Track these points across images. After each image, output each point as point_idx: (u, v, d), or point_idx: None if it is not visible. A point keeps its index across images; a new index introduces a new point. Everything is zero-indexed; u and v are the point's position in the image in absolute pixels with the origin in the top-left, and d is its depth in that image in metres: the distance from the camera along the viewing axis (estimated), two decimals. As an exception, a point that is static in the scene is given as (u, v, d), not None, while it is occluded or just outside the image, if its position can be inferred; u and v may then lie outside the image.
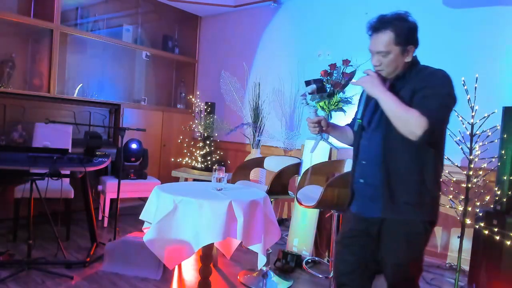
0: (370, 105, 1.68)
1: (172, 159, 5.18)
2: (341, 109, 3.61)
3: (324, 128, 1.74)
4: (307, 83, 1.78)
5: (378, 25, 1.54)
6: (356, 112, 1.79)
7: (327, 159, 3.37)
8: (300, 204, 2.87)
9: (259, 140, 4.51)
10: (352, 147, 1.87)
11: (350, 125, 1.89)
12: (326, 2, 4.39)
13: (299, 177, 3.17)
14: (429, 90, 1.50)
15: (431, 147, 1.56)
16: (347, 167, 3.04)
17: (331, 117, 3.57)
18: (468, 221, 2.86)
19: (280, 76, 4.61)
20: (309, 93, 1.75)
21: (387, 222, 1.62)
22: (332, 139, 2.03)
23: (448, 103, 1.50)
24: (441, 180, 1.64)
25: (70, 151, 3.55)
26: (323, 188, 2.53)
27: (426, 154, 1.57)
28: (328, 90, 1.84)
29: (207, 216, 1.96)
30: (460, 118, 2.98)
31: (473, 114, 2.86)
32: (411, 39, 1.56)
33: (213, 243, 2.19)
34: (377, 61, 1.57)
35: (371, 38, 1.58)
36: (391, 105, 1.50)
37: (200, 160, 4.88)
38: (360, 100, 1.72)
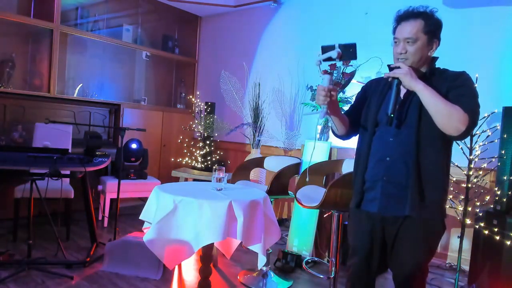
0: (398, 100, 1.60)
1: (172, 159, 5.18)
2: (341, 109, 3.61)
3: (334, 99, 1.59)
4: (327, 48, 1.62)
5: (409, 14, 1.55)
6: (356, 102, 1.77)
7: (327, 159, 3.37)
8: (301, 204, 2.87)
9: (259, 140, 4.51)
10: (341, 138, 1.82)
11: (347, 114, 1.81)
12: (326, 2, 4.39)
13: (298, 177, 3.17)
14: (465, 89, 1.51)
15: (452, 142, 1.61)
16: (345, 166, 3.04)
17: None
18: (468, 221, 2.86)
19: (280, 76, 4.61)
20: (333, 59, 1.60)
21: (409, 221, 1.60)
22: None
23: (478, 101, 1.53)
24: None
25: (70, 151, 3.55)
26: (325, 189, 2.53)
27: (447, 152, 1.61)
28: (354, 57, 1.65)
29: (207, 216, 1.96)
30: (460, 118, 2.98)
31: (473, 114, 2.85)
32: (437, 33, 1.57)
33: (213, 243, 2.19)
34: (403, 49, 1.55)
35: (399, 26, 1.57)
36: (433, 99, 1.47)
37: (200, 160, 4.88)
38: (392, 95, 1.56)
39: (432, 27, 1.54)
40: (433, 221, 1.61)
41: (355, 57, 1.65)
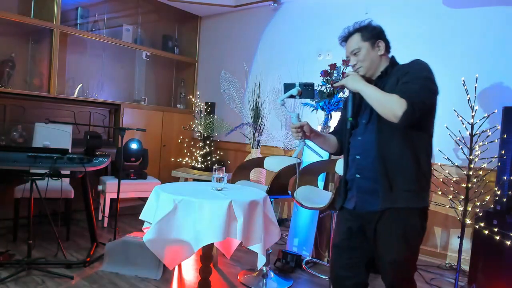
0: (358, 104, 1.73)
1: (172, 159, 5.18)
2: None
3: (307, 133, 1.75)
4: (289, 86, 1.79)
5: (346, 35, 1.73)
6: (342, 114, 1.86)
7: (327, 158, 3.37)
8: (303, 206, 2.87)
9: (259, 140, 4.51)
10: (334, 155, 1.93)
11: (333, 132, 1.94)
12: (326, 2, 4.39)
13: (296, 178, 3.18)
14: (408, 76, 1.57)
15: (422, 132, 1.61)
16: (338, 167, 3.05)
17: (331, 117, 3.57)
18: (468, 221, 2.86)
19: (280, 76, 4.61)
20: (291, 96, 1.78)
21: (385, 216, 1.63)
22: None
23: (427, 85, 1.55)
24: (432, 166, 1.68)
25: (70, 151, 3.54)
26: (327, 190, 2.56)
27: (419, 140, 1.61)
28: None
29: (207, 216, 1.96)
30: (460, 118, 2.98)
31: (473, 114, 2.86)
32: (378, 35, 1.68)
33: (213, 243, 2.19)
34: (353, 61, 1.70)
35: (345, 47, 1.75)
36: (372, 93, 1.58)
37: (200, 160, 4.88)
38: (347, 101, 1.75)
39: (369, 34, 1.67)
40: (408, 212, 1.61)
41: (312, 96, 1.80)
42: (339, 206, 1.79)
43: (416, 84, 1.53)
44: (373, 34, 1.67)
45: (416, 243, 1.66)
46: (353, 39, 1.69)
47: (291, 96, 1.79)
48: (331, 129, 2.05)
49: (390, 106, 1.51)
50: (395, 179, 1.60)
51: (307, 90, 1.78)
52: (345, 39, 1.73)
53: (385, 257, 1.66)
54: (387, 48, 1.71)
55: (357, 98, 1.70)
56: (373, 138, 1.64)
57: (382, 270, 1.70)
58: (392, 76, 1.65)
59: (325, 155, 3.21)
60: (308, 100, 3.71)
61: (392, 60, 1.72)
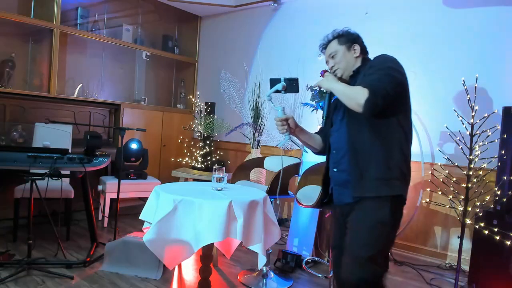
0: (336, 103, 1.83)
1: (172, 159, 5.18)
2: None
3: (292, 127, 1.83)
4: (274, 81, 1.88)
5: (324, 44, 1.86)
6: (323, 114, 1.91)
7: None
8: (299, 204, 2.87)
9: (259, 140, 4.51)
10: (319, 154, 2.00)
11: (319, 132, 1.99)
12: (326, 2, 4.39)
13: (299, 177, 3.17)
14: (372, 69, 1.65)
15: (392, 123, 1.64)
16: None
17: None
18: (468, 221, 2.86)
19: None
20: (277, 91, 1.88)
21: (356, 207, 1.67)
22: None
23: (389, 73, 1.59)
24: (409, 157, 1.69)
25: (70, 151, 3.54)
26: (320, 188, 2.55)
27: (389, 131, 1.65)
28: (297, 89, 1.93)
29: (207, 216, 1.96)
30: (460, 118, 2.98)
31: (473, 114, 2.86)
32: (353, 40, 1.79)
33: (213, 243, 2.19)
34: (331, 63, 1.81)
35: (324, 54, 1.87)
36: (340, 89, 1.66)
37: (200, 160, 4.88)
38: (324, 102, 1.82)
39: (345, 39, 1.79)
40: (378, 201, 1.62)
41: (297, 91, 1.88)
42: (321, 201, 1.88)
43: (377, 74, 1.59)
44: (348, 39, 1.79)
45: (384, 234, 1.62)
46: (331, 44, 1.82)
47: (277, 91, 1.87)
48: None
49: (354, 96, 1.58)
50: (366, 169, 1.64)
51: (291, 85, 1.86)
52: (324, 46, 1.86)
53: (350, 247, 1.64)
54: (363, 51, 1.81)
55: (332, 97, 1.80)
56: (345, 132, 1.72)
57: (343, 262, 1.66)
58: (361, 73, 1.73)
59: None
60: (308, 100, 3.72)
61: (364, 60, 1.79)
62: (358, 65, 1.78)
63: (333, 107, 1.85)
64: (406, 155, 1.67)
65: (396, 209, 1.65)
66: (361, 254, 1.60)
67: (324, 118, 1.80)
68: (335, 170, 1.78)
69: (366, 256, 1.59)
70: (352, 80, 1.77)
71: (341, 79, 1.78)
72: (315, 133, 2.00)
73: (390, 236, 1.67)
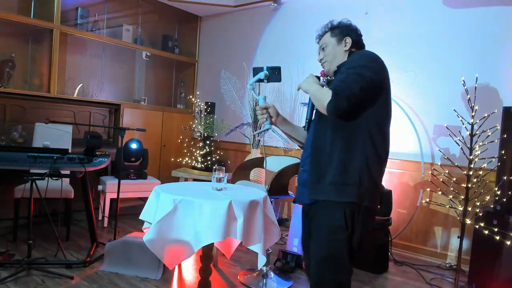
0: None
1: (172, 159, 5.18)
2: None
3: (273, 116, 1.82)
4: (257, 70, 1.86)
5: (319, 35, 1.82)
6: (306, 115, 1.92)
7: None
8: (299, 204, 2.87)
9: (259, 140, 4.51)
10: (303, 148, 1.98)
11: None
12: (326, 2, 4.39)
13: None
14: (343, 69, 1.62)
15: (358, 125, 1.57)
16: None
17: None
18: (468, 221, 2.86)
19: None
20: (258, 80, 1.86)
21: (314, 209, 1.66)
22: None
23: (358, 72, 1.53)
24: (377, 165, 1.60)
25: (70, 151, 3.54)
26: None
27: (354, 134, 1.58)
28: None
29: (207, 216, 1.96)
30: (460, 118, 2.98)
31: (473, 114, 2.86)
32: (345, 32, 1.74)
33: (213, 243, 2.19)
34: (321, 55, 1.79)
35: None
36: (312, 90, 1.65)
37: (200, 160, 4.88)
38: (308, 103, 1.82)
39: (338, 31, 1.75)
40: (331, 205, 1.58)
41: (279, 80, 1.86)
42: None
43: (346, 73, 1.56)
44: (341, 31, 1.74)
45: (339, 237, 1.56)
46: (325, 36, 1.79)
47: (259, 80, 1.85)
48: None
49: (320, 98, 1.57)
50: (324, 171, 1.60)
51: (274, 74, 1.84)
52: (319, 38, 1.83)
53: (311, 247, 1.67)
54: (357, 45, 1.74)
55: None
56: (312, 133, 1.72)
57: (310, 268, 1.68)
58: (341, 70, 1.69)
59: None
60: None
61: (350, 55, 1.73)
62: (345, 60, 1.72)
63: (311, 109, 1.85)
64: (370, 167, 1.57)
65: (353, 215, 1.57)
66: (318, 255, 1.61)
67: (307, 120, 1.79)
68: (301, 169, 1.77)
69: (322, 257, 1.59)
70: (335, 76, 1.73)
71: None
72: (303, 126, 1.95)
73: (350, 241, 1.58)
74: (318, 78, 1.80)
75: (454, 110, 3.16)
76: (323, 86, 1.70)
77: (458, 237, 2.87)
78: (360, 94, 1.51)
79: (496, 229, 2.70)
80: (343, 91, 1.49)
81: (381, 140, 1.61)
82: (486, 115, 2.89)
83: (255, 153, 4.47)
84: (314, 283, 1.64)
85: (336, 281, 1.59)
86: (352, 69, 1.56)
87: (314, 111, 1.78)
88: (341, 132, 1.59)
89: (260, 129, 1.88)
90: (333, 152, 1.59)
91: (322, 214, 1.61)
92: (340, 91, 1.50)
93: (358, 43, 1.74)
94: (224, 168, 2.33)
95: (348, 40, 1.71)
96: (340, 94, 1.49)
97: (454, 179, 3.05)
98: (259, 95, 2.12)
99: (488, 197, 2.96)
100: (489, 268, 2.75)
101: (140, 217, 2.24)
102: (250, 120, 4.51)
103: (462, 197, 2.89)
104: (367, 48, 1.79)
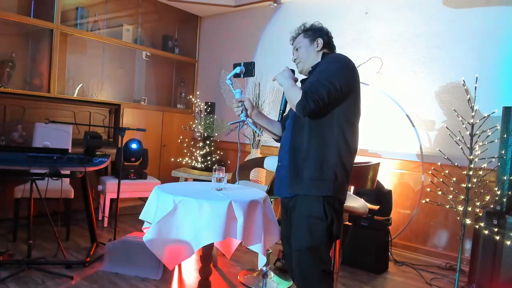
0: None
1: (172, 159, 5.18)
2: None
3: (248, 109, 1.91)
4: (236, 65, 1.97)
5: (293, 38, 1.92)
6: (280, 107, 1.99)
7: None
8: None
9: (259, 140, 4.51)
10: (279, 142, 2.04)
11: (280, 120, 2.03)
12: (326, 2, 4.39)
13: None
14: (316, 72, 1.71)
15: (330, 125, 1.67)
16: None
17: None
18: (468, 221, 2.86)
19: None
20: (235, 76, 1.95)
21: (295, 202, 1.74)
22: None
23: (327, 76, 1.63)
24: (349, 158, 1.73)
25: (70, 151, 3.55)
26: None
27: (327, 133, 1.68)
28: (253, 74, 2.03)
29: (207, 216, 1.95)
30: (460, 118, 2.98)
31: (473, 114, 2.86)
32: (317, 33, 1.84)
33: (213, 243, 2.19)
34: (295, 56, 1.89)
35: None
36: (286, 87, 1.73)
37: (200, 160, 4.88)
38: (282, 96, 1.90)
39: (309, 33, 1.85)
40: (310, 199, 1.69)
41: (252, 74, 1.95)
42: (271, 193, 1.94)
43: (317, 76, 1.65)
44: (313, 33, 1.84)
45: (320, 227, 1.68)
46: (298, 37, 1.89)
47: (236, 75, 1.95)
48: None
49: (291, 97, 1.67)
50: (302, 168, 1.70)
51: (248, 69, 1.95)
52: (292, 40, 1.92)
53: (292, 240, 1.75)
54: (327, 46, 1.84)
55: None
56: (290, 130, 1.79)
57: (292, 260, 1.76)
58: (315, 70, 1.77)
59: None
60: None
61: (324, 55, 1.82)
62: (318, 61, 1.82)
63: (285, 102, 1.92)
64: (344, 161, 1.70)
65: (331, 207, 1.70)
66: (300, 246, 1.70)
67: (281, 111, 1.89)
68: (279, 164, 1.85)
69: (305, 247, 1.69)
70: (310, 76, 1.81)
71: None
72: (278, 120, 2.04)
73: (330, 230, 1.70)
74: (293, 71, 1.86)
75: (454, 110, 3.16)
76: (296, 81, 1.79)
77: (459, 238, 2.87)
78: (327, 99, 1.61)
79: (496, 229, 2.70)
80: (312, 94, 1.60)
81: (352, 134, 1.73)
82: (486, 115, 2.89)
83: (255, 153, 4.46)
84: (299, 274, 1.71)
85: (320, 270, 1.69)
86: (322, 73, 1.65)
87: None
88: (317, 128, 1.69)
89: (235, 121, 2.02)
90: (309, 150, 1.69)
91: (303, 207, 1.72)
92: (309, 93, 1.60)
93: (329, 44, 1.86)
94: (224, 168, 2.33)
95: (320, 41, 1.82)
96: (308, 97, 1.60)
97: (454, 179, 3.05)
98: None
99: (488, 197, 2.96)
100: (489, 268, 2.75)
101: (140, 217, 2.24)
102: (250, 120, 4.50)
103: (462, 197, 2.89)
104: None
